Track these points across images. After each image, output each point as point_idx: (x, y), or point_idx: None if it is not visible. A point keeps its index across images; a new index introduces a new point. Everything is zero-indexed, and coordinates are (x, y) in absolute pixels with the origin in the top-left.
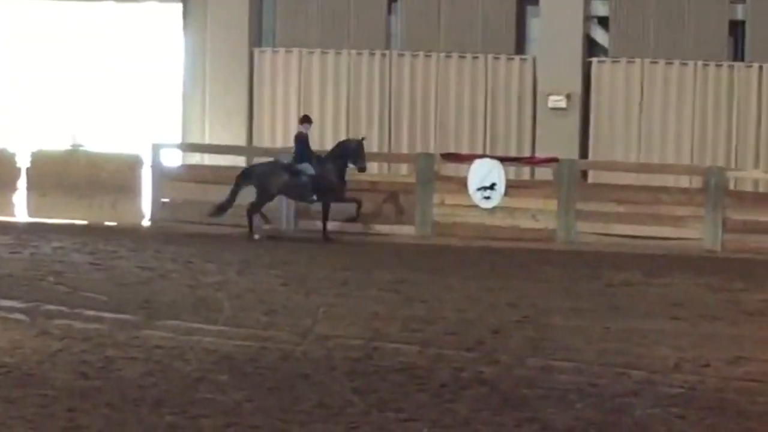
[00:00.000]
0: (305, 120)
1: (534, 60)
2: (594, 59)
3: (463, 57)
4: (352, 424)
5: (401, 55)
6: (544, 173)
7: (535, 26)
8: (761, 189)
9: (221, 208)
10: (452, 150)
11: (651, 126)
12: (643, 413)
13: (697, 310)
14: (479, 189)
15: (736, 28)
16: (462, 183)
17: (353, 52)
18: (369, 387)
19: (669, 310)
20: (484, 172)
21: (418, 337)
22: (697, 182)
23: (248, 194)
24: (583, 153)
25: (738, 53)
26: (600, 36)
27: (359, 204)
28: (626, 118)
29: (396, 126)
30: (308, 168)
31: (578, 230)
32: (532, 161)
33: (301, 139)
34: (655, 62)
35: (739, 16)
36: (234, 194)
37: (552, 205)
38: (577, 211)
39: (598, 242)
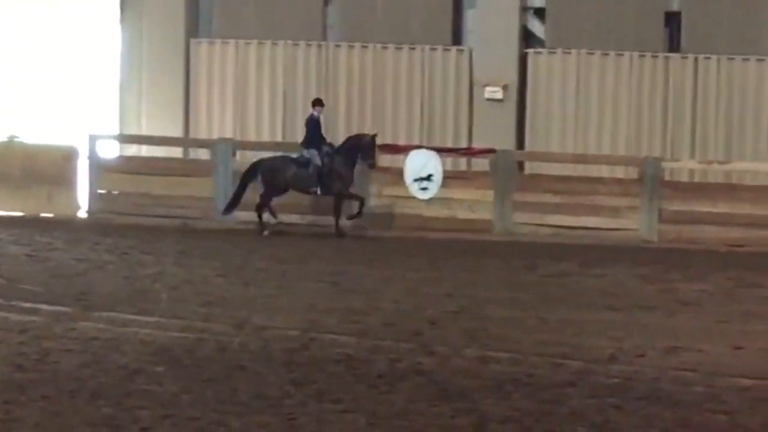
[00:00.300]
0: (317, 103)
1: (470, 51)
2: (530, 50)
3: (400, 48)
4: (290, 415)
5: (338, 46)
6: (480, 164)
7: (471, 18)
8: (696, 179)
9: (230, 206)
10: (389, 141)
11: (587, 117)
12: (579, 403)
13: (633, 301)
14: (416, 180)
15: (672, 19)
16: (399, 174)
17: (290, 43)
18: (306, 378)
19: (605, 300)
20: (421, 163)
21: (355, 329)
22: (633, 173)
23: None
24: (520, 144)
25: (674, 44)
26: (536, 27)
27: (362, 202)
28: (562, 109)
29: (332, 117)
30: (315, 156)
31: (515, 221)
32: (469, 152)
33: (313, 123)
34: (591, 53)
35: (675, 8)
36: (242, 190)
37: (489, 196)
38: (514, 202)
39: (534, 233)
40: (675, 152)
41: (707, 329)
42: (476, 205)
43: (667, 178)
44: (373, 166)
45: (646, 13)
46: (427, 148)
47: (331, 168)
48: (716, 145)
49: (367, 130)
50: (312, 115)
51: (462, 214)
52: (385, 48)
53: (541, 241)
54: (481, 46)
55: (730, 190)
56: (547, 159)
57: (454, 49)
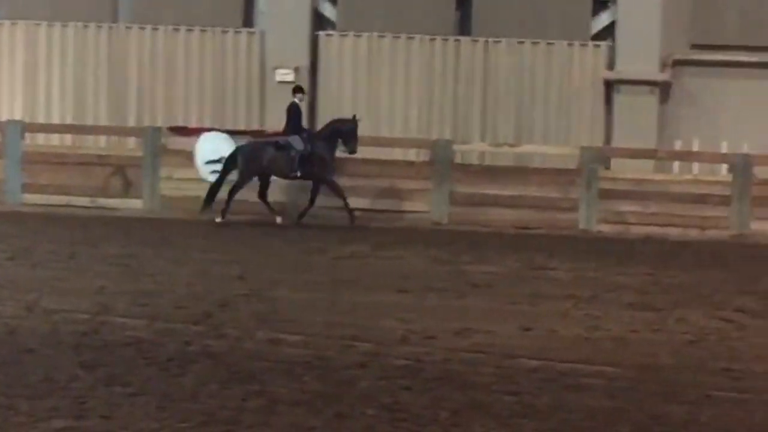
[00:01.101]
0: (298, 90)
1: (262, 34)
2: (321, 33)
3: (191, 30)
4: (80, 399)
5: (128, 28)
6: None
7: (263, 0)
8: (487, 162)
9: (208, 199)
10: (180, 124)
11: (379, 100)
12: (369, 385)
13: (424, 283)
14: (207, 163)
15: (463, 3)
16: (190, 157)
17: (80, 24)
18: (96, 361)
19: (396, 282)
20: (212, 146)
21: (145, 311)
22: (424, 155)
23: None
24: (311, 126)
25: (464, 27)
26: (328, 10)
27: (343, 197)
28: (354, 92)
29: (123, 99)
30: (297, 142)
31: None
32: (261, 135)
33: (294, 110)
34: (383, 36)
35: None
36: (221, 180)
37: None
38: None
39: (327, 215)
40: (466, 135)
41: (497, 311)
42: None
43: (457, 160)
44: (354, 151)
45: None
46: (219, 130)
47: (312, 152)
48: (506, 127)
49: (160, 113)
50: (293, 102)
51: (254, 197)
52: (176, 30)
53: (332, 224)
54: (272, 29)
55: (519, 172)
56: None
57: (245, 31)
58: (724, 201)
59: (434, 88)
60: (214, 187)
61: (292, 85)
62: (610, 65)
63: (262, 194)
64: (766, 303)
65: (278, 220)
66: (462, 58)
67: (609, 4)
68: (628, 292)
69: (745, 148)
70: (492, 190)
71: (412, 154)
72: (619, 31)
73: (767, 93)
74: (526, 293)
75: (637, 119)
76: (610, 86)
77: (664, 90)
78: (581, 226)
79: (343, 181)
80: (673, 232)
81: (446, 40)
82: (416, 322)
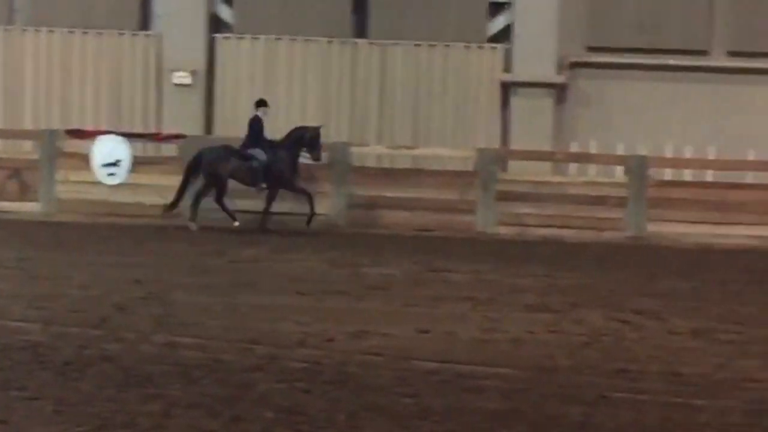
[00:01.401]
0: (261, 104)
1: (159, 36)
2: (218, 35)
3: (87, 33)
4: None
5: (24, 30)
6: (169, 150)
7: (159, 2)
8: (384, 164)
9: (173, 205)
10: (76, 126)
11: (276, 102)
12: (267, 388)
13: (321, 286)
14: (104, 165)
15: (359, 6)
16: (86, 159)
17: None
18: None
19: (294, 285)
20: (108, 149)
21: (41, 315)
22: (323, 158)
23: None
24: (209, 129)
25: (361, 31)
26: (224, 12)
27: (310, 198)
28: (251, 95)
29: (19, 102)
30: (260, 153)
31: (205, 207)
32: (157, 138)
33: (256, 124)
34: (280, 38)
35: None
36: (184, 187)
37: (177, 181)
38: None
39: (225, 218)
40: (363, 137)
41: (394, 313)
42: (165, 190)
43: (355, 163)
44: (319, 158)
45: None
46: (116, 133)
47: (274, 162)
48: (403, 130)
49: (56, 116)
50: (256, 115)
51: (150, 199)
52: (72, 32)
53: (230, 227)
54: (168, 32)
55: (416, 175)
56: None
57: (141, 34)
58: (621, 203)
59: (331, 90)
60: (179, 193)
61: (188, 89)
62: (507, 67)
63: (219, 199)
64: (662, 304)
65: (236, 224)
66: (359, 60)
67: (505, 6)
68: (525, 294)
69: (641, 150)
70: (390, 193)
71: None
72: (516, 34)
73: (663, 95)
74: (424, 295)
75: (533, 121)
76: (506, 88)
77: (560, 92)
78: (478, 228)
79: (231, 184)
80: (570, 234)
81: (343, 42)
82: (314, 324)
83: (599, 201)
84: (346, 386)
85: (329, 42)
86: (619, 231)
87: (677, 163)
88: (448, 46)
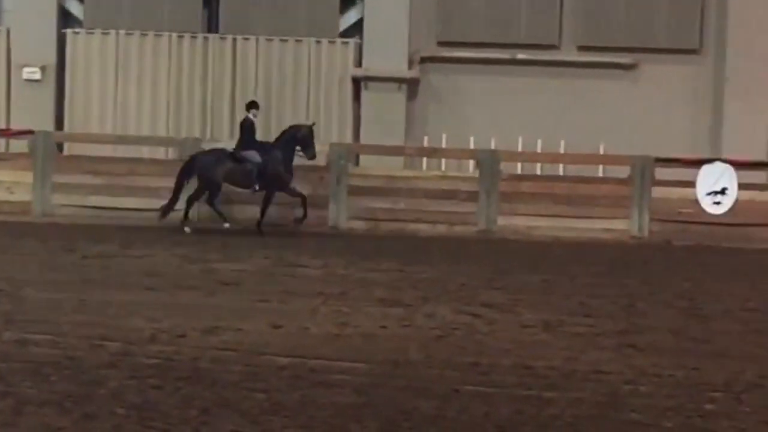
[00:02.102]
0: (252, 106)
1: (8, 31)
2: (68, 31)
3: None
4: None
5: None
6: (19, 145)
7: None
8: None
9: (167, 209)
10: None
11: (127, 98)
12: (118, 384)
13: (174, 281)
14: None
15: (211, 1)
16: None
17: None
18: None
19: (146, 281)
20: None
21: None
22: (173, 153)
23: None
24: (59, 125)
25: (213, 25)
26: (74, 7)
27: (304, 199)
28: (102, 90)
29: None
30: (254, 155)
31: (54, 203)
32: (6, 134)
33: (248, 126)
34: (131, 33)
35: None
36: (178, 191)
37: (27, 177)
38: (53, 183)
39: (75, 214)
40: (214, 132)
41: (246, 309)
42: (15, 186)
43: None
44: (314, 156)
45: None
46: None
47: (269, 163)
48: (256, 125)
49: None
50: (247, 117)
51: (0, 195)
52: None
53: (81, 223)
54: (18, 27)
55: None
56: (87, 140)
57: None
58: (472, 197)
59: (183, 86)
60: (173, 197)
61: (38, 84)
62: (359, 62)
63: (211, 201)
64: (513, 297)
65: (226, 225)
66: (211, 55)
67: (357, 1)
68: (377, 288)
69: (492, 144)
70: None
71: (161, 153)
72: (367, 28)
73: (513, 89)
74: (276, 290)
75: (385, 116)
76: (358, 83)
77: (412, 87)
78: (331, 222)
79: (88, 179)
80: (422, 228)
81: (194, 37)
82: (165, 320)
83: (451, 195)
84: (198, 382)
85: (180, 37)
86: (471, 225)
87: (528, 157)
88: (299, 41)
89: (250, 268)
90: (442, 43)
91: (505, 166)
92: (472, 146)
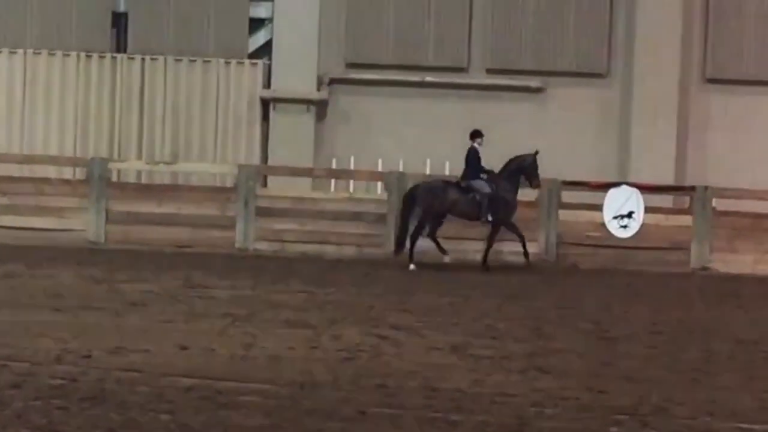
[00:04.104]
0: (477, 135)
1: None
2: None
3: None
4: None
5: None
6: None
7: None
8: (143, 180)
9: (399, 244)
10: None
11: (34, 117)
12: (23, 405)
13: (80, 302)
14: None
15: (119, 20)
16: None
17: None
18: None
19: (52, 301)
20: None
21: None
22: (81, 173)
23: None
24: None
25: (121, 45)
26: None
27: (523, 239)
28: (9, 110)
29: None
30: (483, 185)
31: None
32: None
33: (472, 155)
34: (38, 53)
35: (122, 8)
36: (406, 222)
37: None
38: None
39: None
40: (122, 153)
41: (154, 330)
42: None
43: (114, 178)
44: (539, 185)
45: (92, 13)
46: None
47: (497, 194)
48: (163, 145)
49: None
50: (473, 146)
51: None
52: None
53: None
54: None
55: (175, 190)
56: None
57: None
58: (380, 219)
59: (91, 105)
60: (401, 231)
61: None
62: (267, 83)
63: (432, 234)
64: (421, 320)
65: (446, 259)
66: (119, 75)
67: (266, 22)
68: (284, 309)
69: (401, 167)
70: (149, 209)
71: (68, 172)
72: (276, 50)
73: (421, 111)
74: (183, 312)
75: (293, 137)
76: (267, 104)
77: (320, 108)
78: (238, 244)
79: None
80: (330, 250)
81: (103, 57)
82: (72, 341)
83: (358, 217)
84: (103, 403)
85: (88, 56)
86: (379, 247)
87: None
88: (208, 61)
89: (157, 288)
90: (350, 65)
91: None
92: (380, 168)
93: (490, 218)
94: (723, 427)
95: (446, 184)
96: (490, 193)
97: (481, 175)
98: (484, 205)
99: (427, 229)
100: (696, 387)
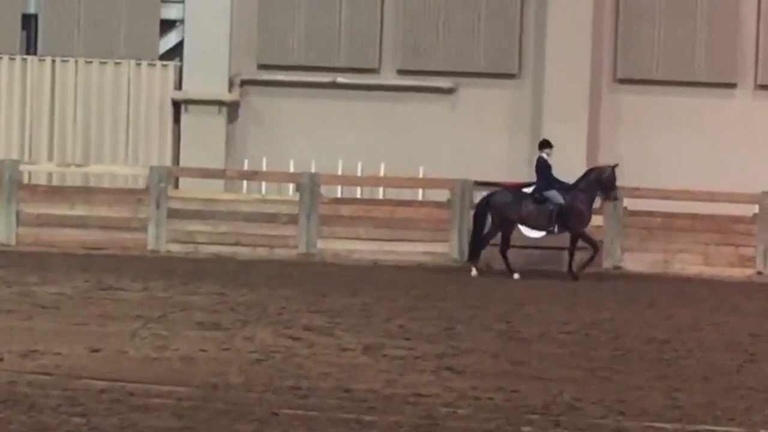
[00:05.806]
0: (545, 145)
1: None
2: None
3: None
4: None
5: None
6: None
7: None
8: (54, 182)
9: (473, 255)
10: None
11: None
12: None
13: None
14: None
15: (29, 22)
16: None
17: None
18: None
19: None
20: None
21: None
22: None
23: None
24: None
25: (31, 47)
26: None
27: (596, 249)
28: None
29: None
30: (556, 196)
31: None
32: None
33: (543, 165)
34: None
35: (32, 10)
36: (478, 234)
37: None
38: None
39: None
40: (33, 155)
41: (65, 332)
42: None
43: (25, 180)
44: (616, 198)
45: (2, 14)
46: None
47: (572, 205)
48: (74, 147)
49: None
50: (541, 156)
51: None
52: None
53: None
54: None
55: (87, 192)
56: None
57: None
58: (292, 220)
59: (1, 107)
60: (475, 239)
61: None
62: (179, 85)
63: (503, 251)
64: (333, 321)
65: (516, 276)
66: (29, 77)
67: (177, 23)
68: (196, 311)
69: (313, 168)
70: (60, 211)
71: None
72: (187, 51)
73: (334, 113)
74: (95, 314)
75: (205, 139)
76: (178, 106)
77: (232, 110)
78: (150, 246)
79: None
80: (243, 251)
81: (13, 59)
82: None
83: (271, 218)
84: (14, 406)
85: None
86: (291, 248)
87: (348, 180)
88: (119, 63)
89: (69, 291)
90: (262, 66)
91: (325, 190)
92: (292, 169)
93: (555, 229)
94: (634, 425)
95: (521, 195)
96: (563, 204)
97: (556, 185)
98: (554, 215)
99: (498, 238)
100: (607, 386)
